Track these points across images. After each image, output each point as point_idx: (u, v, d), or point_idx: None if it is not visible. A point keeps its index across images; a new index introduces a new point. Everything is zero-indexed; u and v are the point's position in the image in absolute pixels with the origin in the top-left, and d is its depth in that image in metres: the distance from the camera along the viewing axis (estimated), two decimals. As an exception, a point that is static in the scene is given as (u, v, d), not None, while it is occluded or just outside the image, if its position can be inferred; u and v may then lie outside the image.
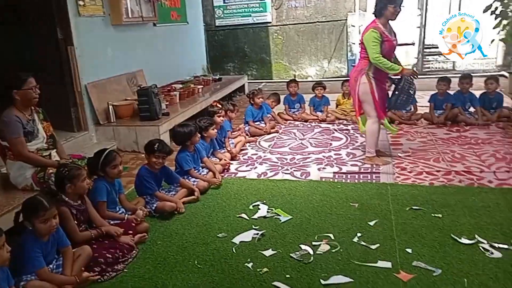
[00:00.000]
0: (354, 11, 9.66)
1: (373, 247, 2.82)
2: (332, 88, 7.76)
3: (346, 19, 9.78)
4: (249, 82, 9.44)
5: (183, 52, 8.18)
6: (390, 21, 4.10)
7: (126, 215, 3.18)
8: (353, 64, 9.91)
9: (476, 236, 2.85)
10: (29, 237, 2.39)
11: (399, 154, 4.56)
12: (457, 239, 2.83)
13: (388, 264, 2.62)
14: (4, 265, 2.14)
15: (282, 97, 6.44)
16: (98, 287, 2.60)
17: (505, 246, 2.71)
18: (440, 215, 3.18)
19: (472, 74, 5.86)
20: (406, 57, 9.35)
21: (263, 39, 10.47)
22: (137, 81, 6.13)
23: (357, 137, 5.27)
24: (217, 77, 8.32)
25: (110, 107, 5.27)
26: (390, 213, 3.27)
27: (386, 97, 4.34)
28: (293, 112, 6.40)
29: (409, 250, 2.75)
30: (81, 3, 5.00)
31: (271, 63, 10.61)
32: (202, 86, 7.28)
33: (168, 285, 2.57)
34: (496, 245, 2.73)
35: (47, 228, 2.40)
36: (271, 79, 10.51)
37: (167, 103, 5.83)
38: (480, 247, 2.72)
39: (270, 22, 10.29)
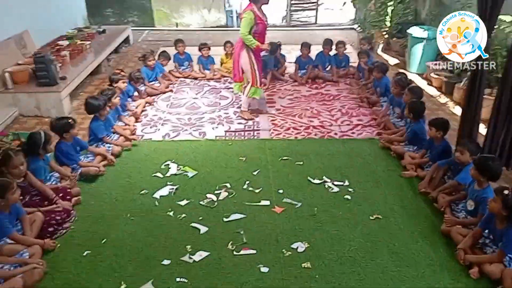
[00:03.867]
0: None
1: (257, 191, 4.01)
2: (214, 40, 8.59)
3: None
4: (132, 30, 9.61)
5: (62, 4, 8.03)
6: (263, 6, 5.10)
7: (59, 184, 3.82)
8: (230, 15, 10.79)
9: (324, 177, 4.22)
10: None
11: (273, 112, 5.77)
12: (311, 180, 4.18)
13: (267, 202, 3.83)
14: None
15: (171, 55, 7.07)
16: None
17: (341, 183, 4.13)
18: (301, 163, 4.50)
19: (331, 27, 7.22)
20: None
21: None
22: (26, 42, 6.13)
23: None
24: (100, 30, 8.40)
25: (6, 74, 5.36)
26: (268, 163, 4.48)
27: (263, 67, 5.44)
28: (183, 70, 7.12)
29: (281, 191, 4.00)
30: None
31: (152, 9, 10.78)
32: (89, 42, 7.43)
33: (111, 235, 3.42)
34: (335, 182, 4.13)
35: (15, 198, 3.03)
36: (154, 27, 10.75)
37: (60, 65, 6.05)
38: (325, 185, 4.10)
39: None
